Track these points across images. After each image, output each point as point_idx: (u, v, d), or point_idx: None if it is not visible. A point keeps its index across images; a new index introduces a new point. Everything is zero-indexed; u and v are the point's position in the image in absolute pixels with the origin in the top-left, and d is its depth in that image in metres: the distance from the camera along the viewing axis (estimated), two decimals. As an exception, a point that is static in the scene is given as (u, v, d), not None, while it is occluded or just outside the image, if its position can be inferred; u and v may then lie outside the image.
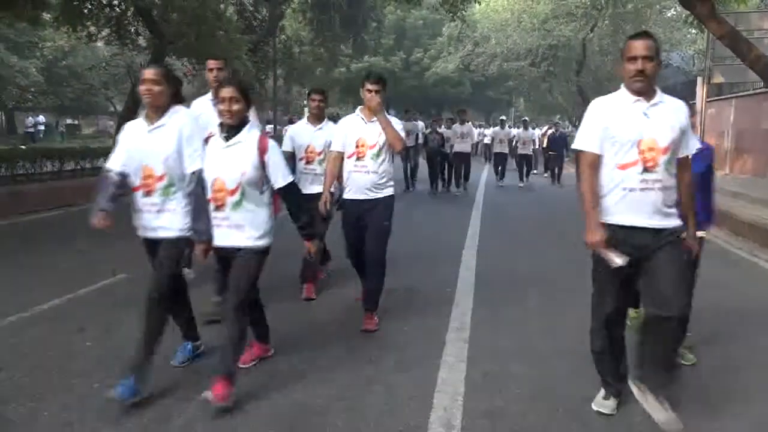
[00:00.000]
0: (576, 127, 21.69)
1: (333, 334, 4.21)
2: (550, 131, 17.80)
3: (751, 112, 14.63)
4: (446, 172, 13.75)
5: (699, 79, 12.93)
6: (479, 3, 18.85)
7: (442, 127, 14.12)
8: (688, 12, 10.90)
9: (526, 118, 19.04)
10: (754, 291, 5.62)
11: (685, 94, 19.32)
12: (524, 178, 15.48)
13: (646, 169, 2.76)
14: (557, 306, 4.89)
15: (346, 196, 4.28)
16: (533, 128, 20.61)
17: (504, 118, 16.94)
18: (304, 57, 26.34)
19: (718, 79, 12.22)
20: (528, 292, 5.32)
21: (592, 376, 3.16)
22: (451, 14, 16.11)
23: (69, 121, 40.59)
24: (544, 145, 17.58)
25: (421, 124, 15.04)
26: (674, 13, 21.00)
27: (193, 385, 3.27)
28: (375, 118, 4.15)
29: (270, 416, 3.02)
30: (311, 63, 26.66)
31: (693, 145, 2.97)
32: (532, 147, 16.14)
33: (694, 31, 18.16)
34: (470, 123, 14.92)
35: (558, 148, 16.30)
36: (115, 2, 14.30)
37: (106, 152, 14.07)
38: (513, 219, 10.10)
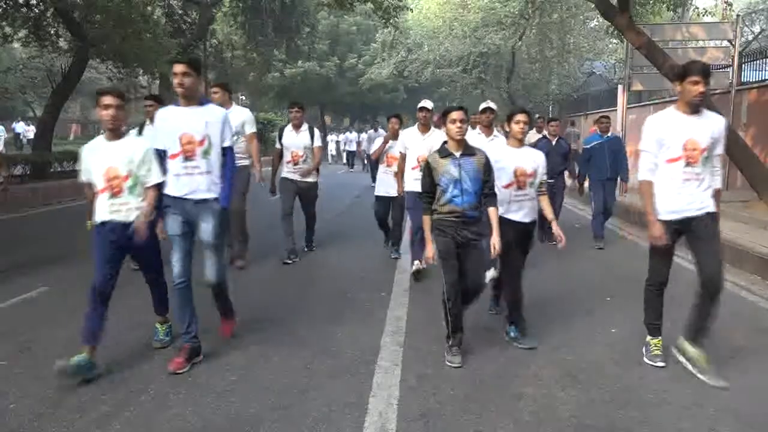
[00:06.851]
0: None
1: (267, 342, 4.14)
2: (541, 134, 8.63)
3: (668, 118, 15.46)
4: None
5: (620, 87, 13.52)
6: (412, 10, 19.11)
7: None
8: (609, 23, 11.44)
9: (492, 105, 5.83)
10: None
11: (608, 100, 20.33)
12: None
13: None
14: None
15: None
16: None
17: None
18: (236, 62, 25.87)
19: (637, 87, 12.84)
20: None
21: (522, 375, 3.25)
22: (384, 21, 16.20)
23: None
24: None
25: (354, 135, 10.14)
26: (597, 23, 21.86)
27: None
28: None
29: (203, 429, 2.94)
30: (243, 68, 26.21)
31: None
32: None
33: (615, 41, 19.02)
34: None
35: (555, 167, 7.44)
36: (33, 2, 13.61)
37: (25, 159, 13.31)
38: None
